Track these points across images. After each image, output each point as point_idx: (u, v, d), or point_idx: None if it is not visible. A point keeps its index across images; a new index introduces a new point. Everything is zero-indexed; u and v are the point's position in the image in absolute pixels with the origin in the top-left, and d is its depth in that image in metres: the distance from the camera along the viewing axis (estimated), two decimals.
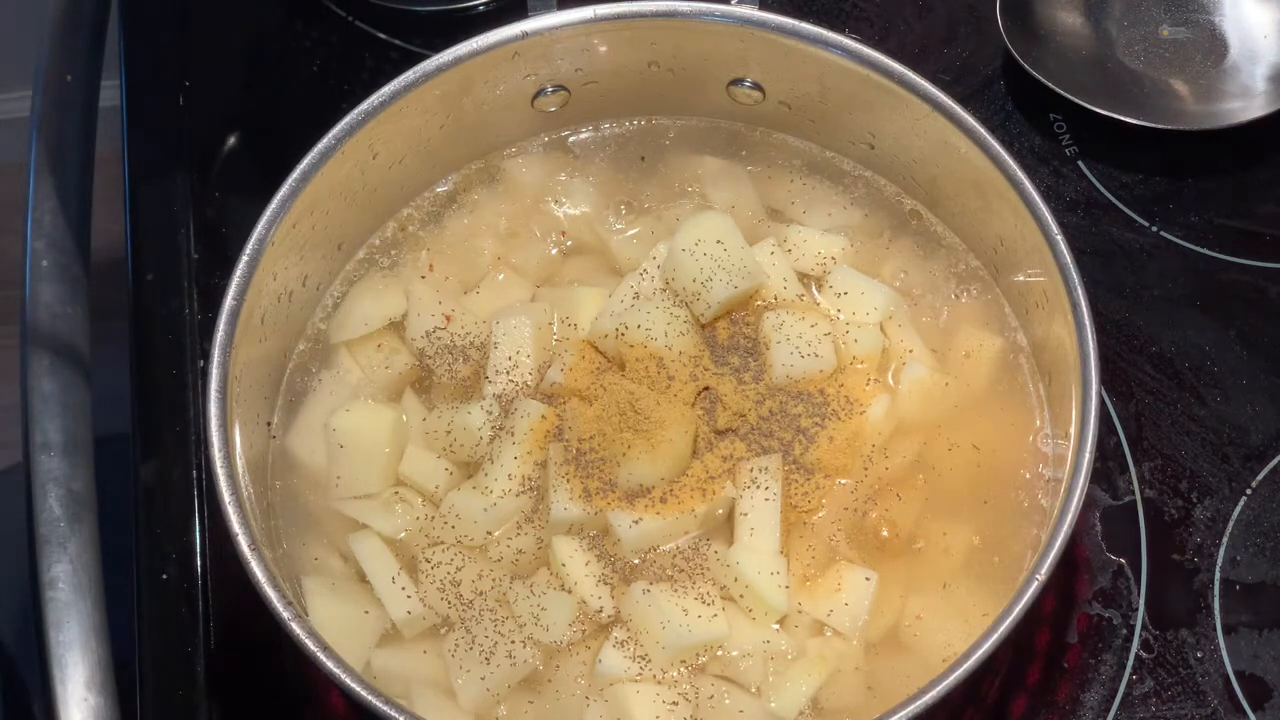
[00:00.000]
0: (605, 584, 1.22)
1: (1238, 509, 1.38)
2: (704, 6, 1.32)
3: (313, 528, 1.28)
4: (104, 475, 1.38)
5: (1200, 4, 1.59)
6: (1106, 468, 1.40)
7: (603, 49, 1.35)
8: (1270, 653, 1.33)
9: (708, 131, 1.42)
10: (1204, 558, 1.37)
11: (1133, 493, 1.39)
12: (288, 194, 1.26)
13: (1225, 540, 1.37)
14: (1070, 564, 1.36)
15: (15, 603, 1.74)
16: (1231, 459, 1.40)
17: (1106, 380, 1.33)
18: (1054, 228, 1.23)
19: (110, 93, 1.60)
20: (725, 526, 1.25)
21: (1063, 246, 1.23)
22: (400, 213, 1.39)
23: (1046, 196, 1.25)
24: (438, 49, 1.31)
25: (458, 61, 1.31)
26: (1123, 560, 1.36)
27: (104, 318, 1.49)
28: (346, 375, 1.32)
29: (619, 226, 1.38)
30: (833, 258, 1.34)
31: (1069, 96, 1.53)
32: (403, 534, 1.27)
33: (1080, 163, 1.55)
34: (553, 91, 1.38)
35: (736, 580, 1.22)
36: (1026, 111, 1.57)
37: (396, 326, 1.34)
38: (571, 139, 1.42)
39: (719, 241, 1.30)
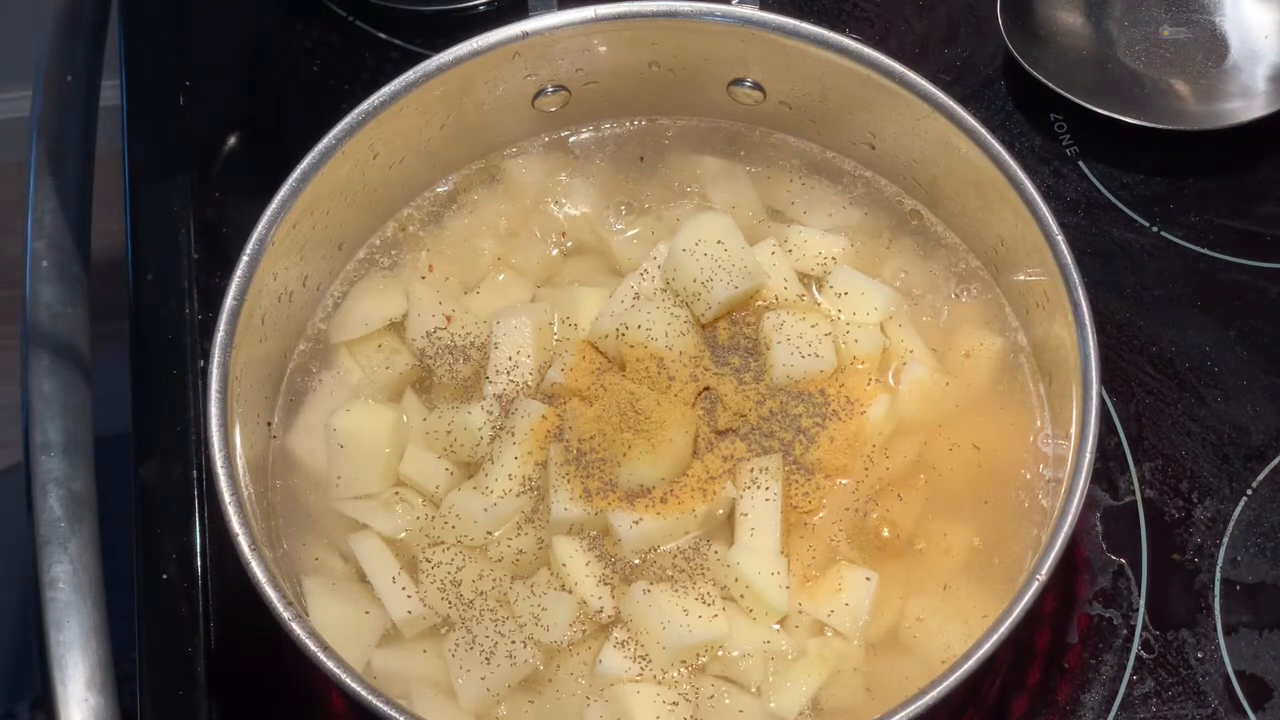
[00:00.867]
0: (605, 584, 1.22)
1: (1238, 509, 1.38)
2: (704, 6, 1.32)
3: (313, 528, 1.28)
4: (104, 475, 1.38)
5: (1201, 4, 1.59)
6: (1107, 468, 1.40)
7: (603, 49, 1.35)
8: (1271, 653, 1.33)
9: (708, 131, 1.42)
10: (1204, 558, 1.37)
11: (1133, 493, 1.39)
12: (288, 194, 1.26)
13: (1226, 540, 1.37)
14: (1070, 564, 1.36)
15: (15, 603, 1.74)
16: (1232, 459, 1.40)
17: (1107, 380, 1.33)
18: (1054, 228, 1.23)
19: (110, 93, 1.60)
20: (725, 526, 1.25)
21: (1063, 246, 1.23)
22: (400, 213, 1.39)
23: (1047, 196, 1.25)
24: (438, 49, 1.31)
25: (458, 61, 1.31)
26: (1123, 560, 1.36)
27: (104, 318, 1.49)
28: (347, 375, 1.32)
29: (619, 226, 1.38)
30: (833, 258, 1.34)
31: (1069, 96, 1.53)
32: (403, 534, 1.27)
33: (1080, 163, 1.55)
34: (553, 91, 1.38)
35: (737, 580, 1.22)
36: (1027, 111, 1.58)
37: (397, 326, 1.34)
38: (571, 139, 1.42)
39: (719, 241, 1.30)
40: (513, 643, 1.21)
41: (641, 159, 1.41)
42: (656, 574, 1.23)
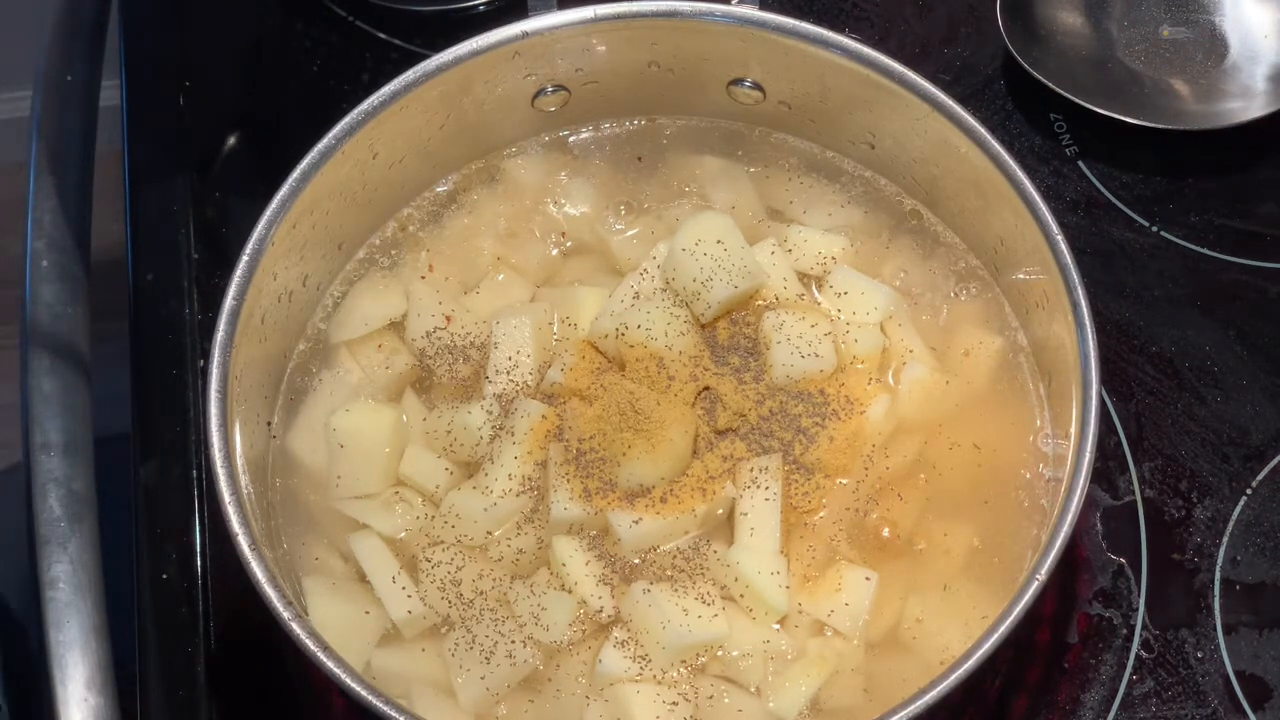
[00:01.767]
0: (605, 584, 1.22)
1: (1238, 509, 1.38)
2: (704, 6, 1.32)
3: (313, 528, 1.28)
4: (104, 475, 1.38)
5: (1200, 4, 1.59)
6: (1106, 468, 1.40)
7: (603, 49, 1.35)
8: (1270, 653, 1.33)
9: (708, 131, 1.42)
10: (1204, 558, 1.37)
11: (1133, 493, 1.39)
12: (288, 194, 1.26)
13: (1225, 540, 1.37)
14: (1070, 564, 1.36)
15: (15, 603, 1.74)
16: (1231, 459, 1.40)
17: (1106, 380, 1.33)
18: (1054, 228, 1.23)
19: (110, 93, 1.60)
20: (725, 526, 1.25)
21: (1063, 246, 1.23)
22: (400, 213, 1.39)
23: (1046, 196, 1.25)
24: (438, 49, 1.31)
25: (458, 61, 1.31)
26: (1123, 560, 1.36)
27: (104, 318, 1.49)
28: (347, 375, 1.32)
29: (619, 226, 1.38)
30: (833, 257, 1.34)
31: (1069, 96, 1.52)
32: (403, 534, 1.27)
33: (1080, 163, 1.55)
34: (553, 91, 1.38)
35: (736, 580, 1.22)
36: (1026, 111, 1.57)
37: (396, 326, 1.34)
38: (571, 139, 1.42)
39: (719, 241, 1.30)
40: (513, 642, 1.21)
41: (640, 159, 1.41)
42: (656, 574, 1.23)
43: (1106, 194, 1.53)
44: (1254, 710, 1.31)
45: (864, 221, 1.38)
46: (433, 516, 1.26)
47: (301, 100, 1.61)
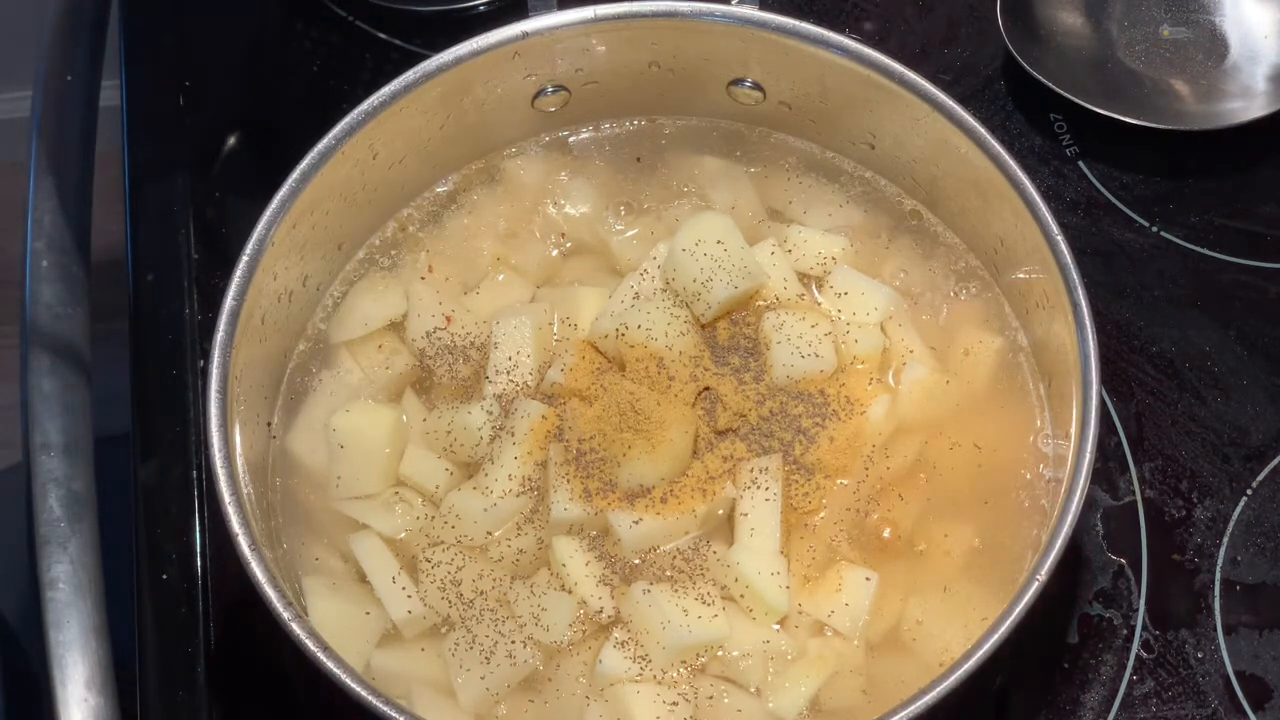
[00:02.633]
0: (605, 584, 1.22)
1: (1238, 509, 1.38)
2: (704, 6, 1.32)
3: (313, 528, 1.28)
4: (104, 475, 1.38)
5: (1200, 4, 1.59)
6: (1107, 468, 1.40)
7: (602, 49, 1.35)
8: (1271, 653, 1.33)
9: (708, 131, 1.42)
10: (1204, 558, 1.37)
11: (1133, 493, 1.39)
12: (288, 194, 1.26)
13: (1225, 540, 1.37)
14: (1070, 564, 1.36)
15: (15, 602, 1.74)
16: (1232, 459, 1.40)
17: (1106, 380, 1.33)
18: (1054, 228, 1.23)
19: (110, 93, 1.60)
20: (725, 526, 1.25)
21: (1063, 246, 1.23)
22: (400, 213, 1.39)
23: (1047, 196, 1.25)
24: (438, 49, 1.31)
25: (458, 61, 1.31)
26: (1123, 560, 1.36)
27: (104, 318, 1.49)
28: (347, 375, 1.32)
29: (619, 227, 1.38)
30: (833, 258, 1.34)
31: (1069, 96, 1.52)
32: (403, 534, 1.27)
33: (1080, 163, 1.55)
34: (553, 91, 1.38)
35: (737, 580, 1.22)
36: (1026, 111, 1.57)
37: (396, 327, 1.34)
38: (571, 139, 1.42)
39: (719, 241, 1.30)
40: (512, 643, 1.21)
41: (638, 159, 1.41)
42: (656, 574, 1.23)
43: (1106, 194, 1.53)
44: (1254, 710, 1.31)
45: (864, 221, 1.38)
46: (433, 516, 1.26)
47: (301, 100, 1.61)
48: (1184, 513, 1.38)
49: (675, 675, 1.20)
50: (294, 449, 1.30)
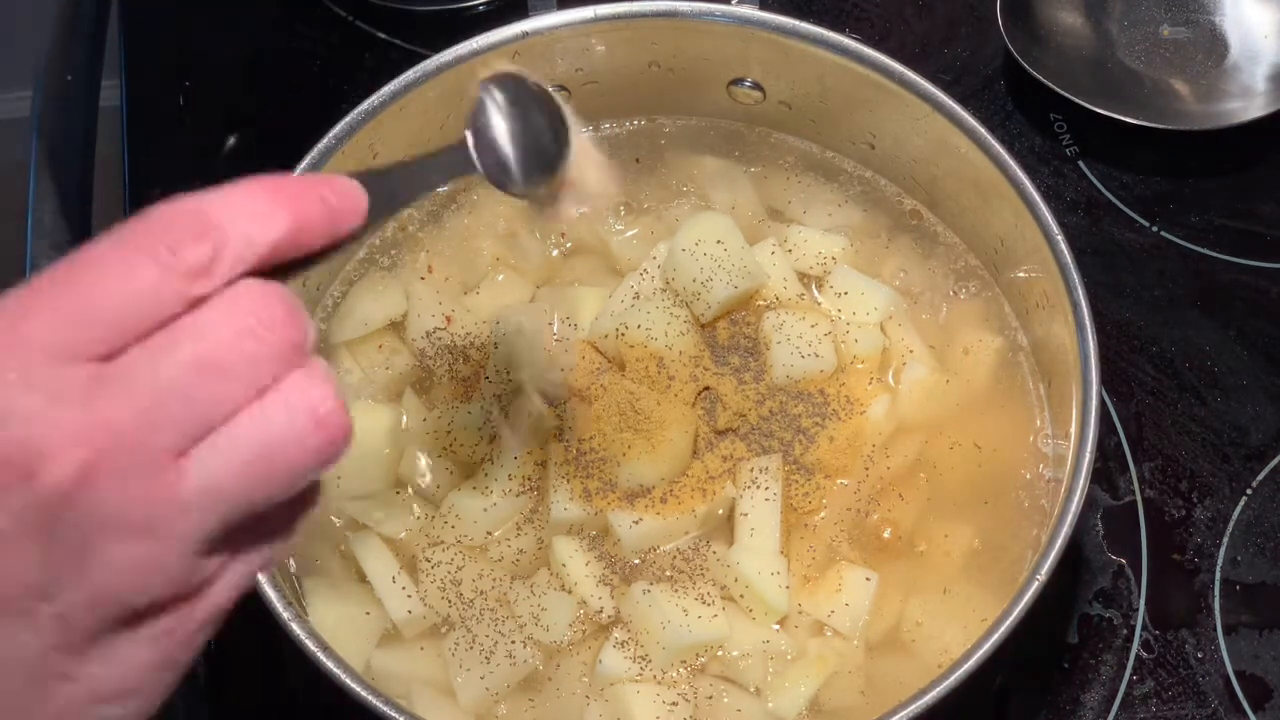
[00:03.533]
0: (605, 584, 1.22)
1: (1238, 509, 1.38)
2: (704, 6, 1.32)
3: (313, 528, 1.28)
4: None
5: (1201, 4, 1.59)
6: (1107, 468, 1.40)
7: (602, 49, 1.35)
8: (1271, 653, 1.33)
9: (707, 131, 1.42)
10: (1204, 558, 1.37)
11: (1133, 493, 1.39)
12: None
13: (1225, 540, 1.37)
14: (1070, 564, 1.36)
15: None
16: (1232, 459, 1.40)
17: (1106, 380, 1.33)
18: (1054, 228, 1.23)
19: (110, 93, 1.60)
20: (725, 526, 1.25)
21: (1063, 246, 1.23)
22: (400, 213, 1.39)
23: (1047, 196, 1.25)
24: (438, 49, 1.31)
25: (458, 61, 1.31)
26: (1123, 560, 1.36)
27: None
28: (346, 375, 1.32)
29: (619, 227, 1.38)
30: (833, 257, 1.34)
31: (1069, 96, 1.52)
32: (403, 534, 1.27)
33: (1080, 163, 1.55)
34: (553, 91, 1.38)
35: (736, 580, 1.22)
36: (1026, 111, 1.58)
37: (396, 327, 1.34)
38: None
39: (719, 241, 1.30)
40: (512, 642, 1.21)
41: (637, 161, 1.41)
42: (656, 574, 1.23)
43: (1106, 194, 1.53)
44: (1254, 710, 1.31)
45: (864, 221, 1.38)
46: (433, 516, 1.26)
47: (301, 100, 1.61)
48: (1184, 513, 1.38)
49: (675, 675, 1.20)
50: None
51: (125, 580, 0.71)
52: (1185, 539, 1.37)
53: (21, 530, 0.69)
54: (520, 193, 1.01)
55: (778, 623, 1.22)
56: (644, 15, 1.33)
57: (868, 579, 1.22)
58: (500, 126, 0.99)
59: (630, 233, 1.38)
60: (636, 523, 1.23)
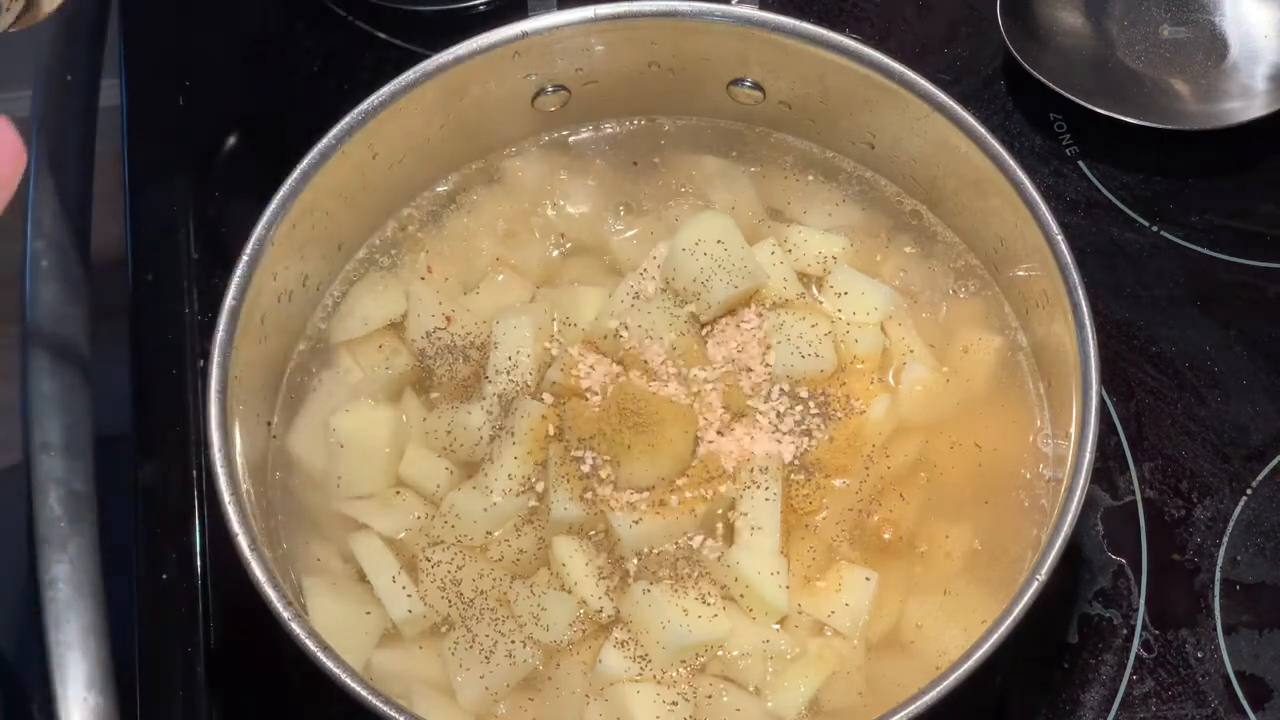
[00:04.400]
0: (605, 584, 1.22)
1: (1238, 509, 1.38)
2: (704, 6, 1.32)
3: (313, 528, 1.28)
4: (104, 475, 1.38)
5: (1200, 4, 1.59)
6: (1107, 468, 1.40)
7: (602, 49, 1.35)
8: (1270, 653, 1.33)
9: (707, 131, 1.42)
10: (1204, 558, 1.37)
11: (1133, 493, 1.39)
12: (288, 194, 1.26)
13: (1225, 540, 1.37)
14: (1070, 564, 1.36)
15: (15, 603, 1.74)
16: (1232, 459, 1.40)
17: (1106, 380, 1.33)
18: (1054, 228, 1.23)
19: (110, 93, 1.60)
20: (725, 526, 1.25)
21: (1063, 246, 1.23)
22: (400, 213, 1.39)
23: (1047, 196, 1.25)
24: (438, 49, 1.31)
25: (458, 61, 1.31)
26: (1123, 560, 1.36)
27: (104, 318, 1.49)
28: (347, 375, 1.32)
29: (619, 227, 1.38)
30: (833, 257, 1.34)
31: (1069, 96, 1.52)
32: (403, 534, 1.27)
33: (1080, 163, 1.55)
34: (553, 91, 1.38)
35: (736, 580, 1.21)
36: (1026, 111, 1.57)
37: (396, 326, 1.34)
38: (571, 139, 1.42)
39: (719, 241, 1.30)
40: (512, 642, 1.21)
41: (635, 163, 1.41)
42: (656, 574, 1.23)
43: (1106, 194, 1.53)
44: (1254, 710, 1.31)
45: (863, 221, 1.38)
46: (433, 516, 1.26)
47: (301, 100, 1.61)
48: (1184, 512, 1.38)
49: (675, 675, 1.20)
50: (294, 449, 1.30)
51: None
52: (1185, 539, 1.37)
53: None
54: None
55: (778, 623, 1.22)
56: (644, 15, 1.33)
57: (868, 579, 1.22)
58: None
59: (630, 233, 1.38)
60: (636, 523, 1.22)
